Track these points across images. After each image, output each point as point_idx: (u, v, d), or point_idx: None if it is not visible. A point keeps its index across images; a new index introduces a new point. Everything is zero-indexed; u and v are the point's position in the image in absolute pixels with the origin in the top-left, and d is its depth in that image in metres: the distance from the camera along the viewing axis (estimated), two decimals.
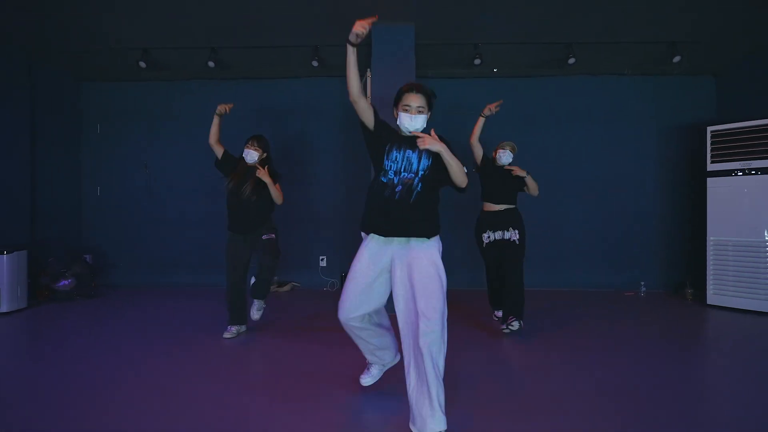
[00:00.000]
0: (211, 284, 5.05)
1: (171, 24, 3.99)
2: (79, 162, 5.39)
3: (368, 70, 4.09)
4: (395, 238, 1.79)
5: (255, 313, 3.31)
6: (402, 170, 1.82)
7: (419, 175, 1.81)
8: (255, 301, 3.30)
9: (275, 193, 3.10)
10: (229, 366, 2.64)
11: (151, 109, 5.38)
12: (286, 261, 4.60)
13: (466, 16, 3.85)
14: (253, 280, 3.33)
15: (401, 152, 1.85)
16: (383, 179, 1.84)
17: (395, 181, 1.81)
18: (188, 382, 2.34)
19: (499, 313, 3.32)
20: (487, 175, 3.38)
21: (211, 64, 4.45)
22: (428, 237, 1.79)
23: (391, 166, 1.84)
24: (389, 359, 2.13)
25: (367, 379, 2.16)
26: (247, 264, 3.18)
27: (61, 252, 4.84)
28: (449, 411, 1.65)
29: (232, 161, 3.24)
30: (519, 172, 3.22)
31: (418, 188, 1.79)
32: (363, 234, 1.94)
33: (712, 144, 4.25)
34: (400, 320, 1.73)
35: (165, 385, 2.30)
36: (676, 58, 4.28)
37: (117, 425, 1.84)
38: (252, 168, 3.12)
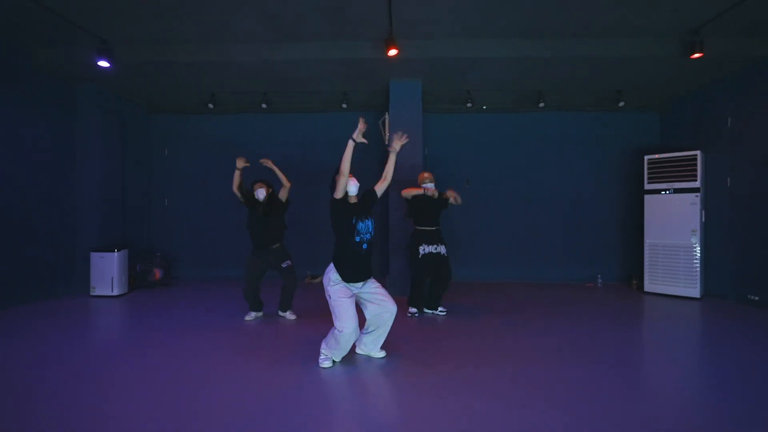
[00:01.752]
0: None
1: (235, 78, 5.26)
2: (150, 179, 6.70)
3: (386, 113, 5.39)
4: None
5: (290, 316, 4.25)
6: (365, 233, 2.90)
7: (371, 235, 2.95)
8: (288, 312, 4.27)
9: (281, 176, 4.18)
10: (256, 340, 3.93)
11: (208, 136, 6.70)
12: (318, 259, 5.91)
13: (460, 73, 5.13)
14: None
15: (364, 222, 2.90)
16: (357, 239, 2.85)
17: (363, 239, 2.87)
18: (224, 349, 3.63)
19: (413, 310, 4.35)
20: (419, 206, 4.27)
21: (264, 105, 5.76)
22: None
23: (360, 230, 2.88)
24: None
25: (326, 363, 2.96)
26: (262, 273, 4.14)
27: (141, 250, 6.15)
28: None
29: (252, 197, 4.17)
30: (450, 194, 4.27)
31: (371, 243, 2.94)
32: (334, 279, 2.87)
33: (648, 169, 5.55)
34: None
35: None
36: (621, 103, 5.59)
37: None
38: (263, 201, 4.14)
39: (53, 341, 3.39)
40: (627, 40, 4.48)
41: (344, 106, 5.81)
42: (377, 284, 3.01)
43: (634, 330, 3.96)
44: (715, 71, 4.93)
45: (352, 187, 2.99)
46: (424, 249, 4.19)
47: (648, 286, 5.51)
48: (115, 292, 5.11)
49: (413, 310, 4.35)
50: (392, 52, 4.22)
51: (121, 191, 5.85)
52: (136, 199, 6.30)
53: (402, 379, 2.69)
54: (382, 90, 5.62)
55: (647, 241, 5.54)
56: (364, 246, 2.88)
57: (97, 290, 5.09)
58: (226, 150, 6.68)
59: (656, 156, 5.47)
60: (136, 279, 5.68)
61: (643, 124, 6.39)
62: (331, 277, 2.87)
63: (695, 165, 5.14)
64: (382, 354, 3.10)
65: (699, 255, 5.12)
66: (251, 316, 4.21)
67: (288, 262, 4.15)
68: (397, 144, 3.26)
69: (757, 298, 4.70)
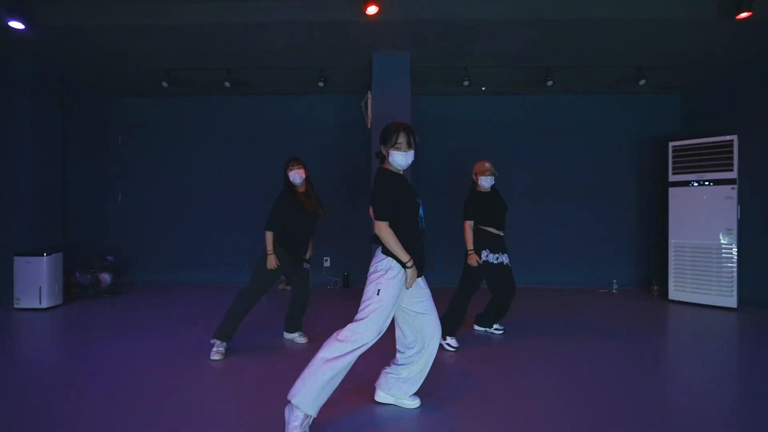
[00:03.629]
0: (215, 282, 5.56)
1: (191, 48, 4.45)
2: (102, 170, 5.86)
3: (369, 92, 4.59)
4: None
5: (300, 339, 3.33)
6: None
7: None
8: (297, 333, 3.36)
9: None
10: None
11: (168, 122, 5.86)
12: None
13: (455, 45, 4.35)
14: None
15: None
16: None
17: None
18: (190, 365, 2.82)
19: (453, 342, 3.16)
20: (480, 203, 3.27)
21: (227, 84, 4.94)
22: None
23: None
24: None
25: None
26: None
27: (88, 253, 5.31)
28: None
29: (287, 207, 3.10)
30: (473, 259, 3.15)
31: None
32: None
33: (673, 157, 4.79)
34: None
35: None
36: (642, 82, 4.81)
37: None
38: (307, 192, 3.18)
39: None
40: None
41: (321, 84, 4.99)
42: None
43: (657, 347, 3.22)
44: (756, 43, 4.16)
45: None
46: (487, 255, 3.21)
47: (673, 294, 4.76)
48: (44, 305, 4.27)
49: (454, 342, 3.15)
50: (371, 10, 3.43)
51: (60, 185, 5.00)
52: (82, 194, 5.45)
53: None
54: (364, 66, 4.82)
55: (672, 241, 4.78)
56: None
57: (22, 302, 4.25)
58: (190, 137, 5.87)
59: (683, 143, 4.71)
60: (76, 287, 4.84)
61: (664, 108, 5.65)
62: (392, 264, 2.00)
63: (731, 152, 4.39)
64: (416, 403, 2.17)
65: (735, 257, 4.37)
66: (222, 349, 2.93)
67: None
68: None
69: None
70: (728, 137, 4.42)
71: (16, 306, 4.27)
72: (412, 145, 2.06)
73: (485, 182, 3.27)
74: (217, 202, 5.82)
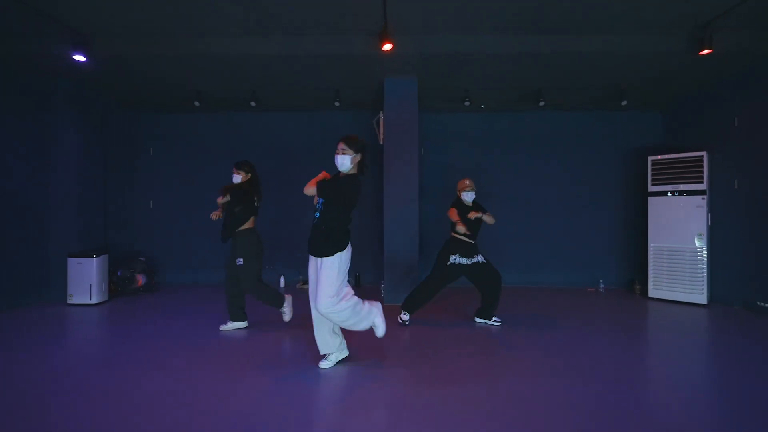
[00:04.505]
0: None
1: (222, 73, 4.99)
2: (134, 180, 6.41)
3: (381, 112, 5.15)
4: None
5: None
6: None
7: None
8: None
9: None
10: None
11: (195, 135, 6.43)
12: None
13: (456, 72, 4.91)
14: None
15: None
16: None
17: None
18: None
19: (405, 316, 3.99)
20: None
21: (252, 104, 5.50)
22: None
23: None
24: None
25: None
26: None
27: (124, 255, 5.87)
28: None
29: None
30: (476, 214, 3.85)
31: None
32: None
33: (652, 170, 5.36)
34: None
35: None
36: (624, 102, 5.38)
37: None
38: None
39: (29, 353, 3.11)
40: (633, 36, 4.27)
41: (337, 104, 5.56)
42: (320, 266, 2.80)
43: (638, 338, 3.77)
44: (722, 69, 4.74)
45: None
46: (456, 259, 3.88)
47: (652, 292, 5.32)
48: (94, 300, 4.82)
49: (405, 317, 3.99)
50: (387, 47, 3.99)
51: (102, 193, 5.56)
52: (118, 201, 6.01)
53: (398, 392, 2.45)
54: (376, 87, 5.38)
55: (651, 244, 5.34)
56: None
57: (75, 298, 4.81)
58: (214, 150, 6.43)
59: (661, 157, 5.28)
60: (117, 286, 5.39)
61: (646, 124, 6.21)
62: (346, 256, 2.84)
63: (701, 166, 4.96)
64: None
65: (706, 259, 4.93)
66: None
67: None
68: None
69: (767, 304, 4.51)
70: (699, 153, 4.99)
71: (69, 302, 4.82)
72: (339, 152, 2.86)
73: (467, 197, 3.95)
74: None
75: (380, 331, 2.94)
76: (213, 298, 5.29)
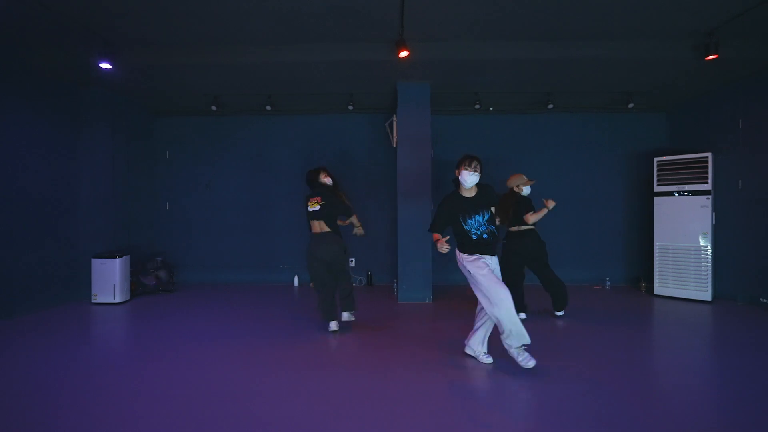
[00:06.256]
0: (249, 282, 6.29)
1: (240, 80, 5.14)
2: (152, 182, 6.57)
3: (394, 116, 5.30)
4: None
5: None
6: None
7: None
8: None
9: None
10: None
11: (210, 138, 6.58)
12: None
13: (467, 77, 5.05)
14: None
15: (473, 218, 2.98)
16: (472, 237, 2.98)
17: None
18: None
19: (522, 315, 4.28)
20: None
21: (268, 108, 5.65)
22: None
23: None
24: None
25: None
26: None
27: (143, 256, 6.03)
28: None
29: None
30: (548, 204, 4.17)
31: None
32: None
33: (657, 171, 5.50)
34: None
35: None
36: (630, 105, 5.53)
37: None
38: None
39: (60, 351, 3.27)
40: (640, 42, 4.41)
41: (350, 108, 5.70)
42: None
43: (643, 334, 3.91)
44: (727, 74, 4.88)
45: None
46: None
47: (658, 289, 5.47)
48: (117, 300, 4.99)
49: (522, 315, 4.25)
50: (403, 54, 4.13)
51: (124, 196, 5.72)
52: (138, 203, 6.17)
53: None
54: (389, 92, 5.53)
55: (657, 243, 5.49)
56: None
57: (99, 297, 4.97)
58: (229, 152, 6.58)
59: (666, 158, 5.42)
60: (137, 285, 5.55)
61: (652, 126, 6.35)
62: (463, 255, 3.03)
63: (706, 167, 5.10)
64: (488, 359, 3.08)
65: (710, 258, 5.08)
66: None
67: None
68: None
69: None
70: (704, 154, 5.13)
71: (93, 301, 4.98)
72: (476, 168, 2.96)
73: (526, 191, 4.34)
74: (251, 210, 6.52)
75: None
76: (229, 297, 5.45)
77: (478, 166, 2.94)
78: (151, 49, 4.52)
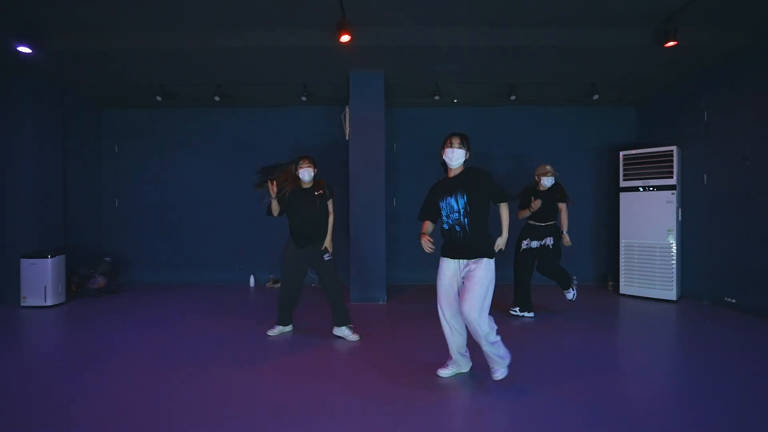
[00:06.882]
0: (205, 282, 5.97)
1: (185, 67, 4.83)
2: (100, 178, 6.23)
3: (346, 106, 5.02)
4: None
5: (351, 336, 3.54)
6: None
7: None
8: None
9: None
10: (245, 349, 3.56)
11: (161, 131, 6.25)
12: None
13: (424, 65, 4.80)
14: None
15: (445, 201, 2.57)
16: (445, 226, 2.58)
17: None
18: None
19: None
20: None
21: (216, 98, 5.34)
22: None
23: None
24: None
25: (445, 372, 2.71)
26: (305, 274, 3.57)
27: (88, 255, 5.69)
28: None
29: (284, 199, 3.43)
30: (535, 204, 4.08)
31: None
32: None
33: (623, 165, 5.30)
34: None
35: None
36: (595, 96, 5.32)
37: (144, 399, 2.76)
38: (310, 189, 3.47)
39: None
40: (598, 29, 4.19)
41: (304, 99, 5.42)
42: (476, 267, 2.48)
43: (605, 334, 3.69)
44: (691, 64, 4.69)
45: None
46: (527, 244, 4.17)
47: (623, 288, 5.28)
48: (49, 303, 4.65)
49: (515, 310, 4.28)
50: (344, 38, 3.86)
51: (61, 192, 5.37)
52: (83, 200, 5.82)
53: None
54: (345, 82, 5.25)
55: (623, 241, 5.30)
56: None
57: (29, 300, 4.63)
58: (181, 146, 6.26)
59: (632, 152, 5.22)
60: (77, 287, 5.22)
61: (620, 119, 6.16)
62: None
63: (671, 161, 4.91)
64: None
65: (675, 256, 4.88)
66: (275, 330, 3.65)
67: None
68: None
69: (734, 300, 4.48)
70: (669, 148, 4.93)
71: (23, 304, 4.64)
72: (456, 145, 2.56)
73: (546, 182, 4.18)
74: (205, 207, 6.21)
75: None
76: (177, 298, 5.14)
77: (464, 143, 2.55)
78: (81, 33, 4.19)
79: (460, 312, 2.47)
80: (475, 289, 2.40)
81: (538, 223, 4.22)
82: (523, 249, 4.22)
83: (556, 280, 4.30)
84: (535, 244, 4.18)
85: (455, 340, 2.64)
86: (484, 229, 2.56)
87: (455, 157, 2.56)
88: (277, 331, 3.65)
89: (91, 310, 4.58)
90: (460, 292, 2.51)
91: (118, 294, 5.42)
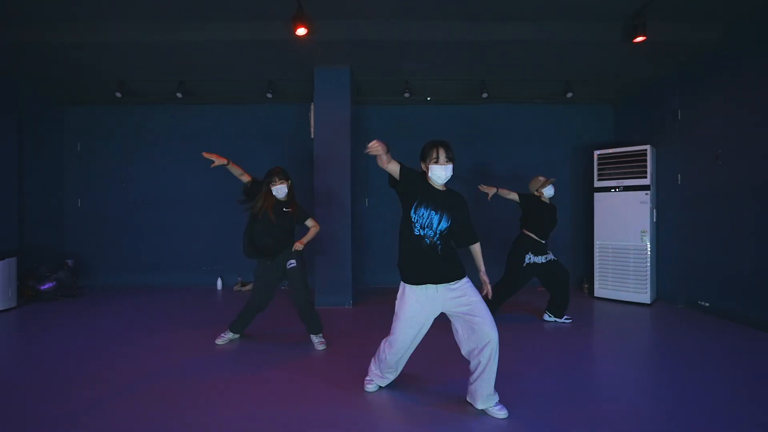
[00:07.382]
0: (171, 285, 5.79)
1: (144, 62, 4.65)
2: (62, 177, 6.01)
3: (311, 104, 4.86)
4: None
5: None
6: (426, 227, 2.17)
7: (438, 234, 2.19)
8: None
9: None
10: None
11: (125, 129, 6.04)
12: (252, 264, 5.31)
13: (391, 61, 4.65)
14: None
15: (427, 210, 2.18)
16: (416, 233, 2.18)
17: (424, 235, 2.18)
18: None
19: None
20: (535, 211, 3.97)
21: (179, 95, 5.15)
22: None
23: (417, 220, 2.17)
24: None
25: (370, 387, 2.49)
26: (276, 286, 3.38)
27: (46, 257, 5.47)
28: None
29: (258, 188, 3.30)
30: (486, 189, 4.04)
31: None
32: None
33: (598, 165, 5.17)
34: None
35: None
36: (569, 94, 5.19)
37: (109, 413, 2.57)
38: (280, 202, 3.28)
39: None
40: (568, 24, 4.06)
41: (269, 96, 5.24)
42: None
43: (577, 338, 3.55)
44: (663, 61, 4.57)
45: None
46: (531, 258, 3.92)
47: (598, 291, 5.15)
48: None
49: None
50: (301, 32, 3.69)
51: (16, 191, 5.15)
52: (42, 199, 5.60)
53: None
54: (312, 79, 5.08)
55: (597, 242, 5.17)
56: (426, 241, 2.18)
57: None
58: (146, 144, 6.06)
59: (606, 151, 5.10)
60: (32, 291, 5.00)
61: (598, 117, 6.04)
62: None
63: (645, 160, 4.79)
64: (500, 413, 2.13)
65: (649, 257, 4.76)
66: (225, 337, 3.45)
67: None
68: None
69: (707, 303, 4.36)
70: (642, 147, 4.81)
71: None
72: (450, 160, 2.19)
73: (549, 192, 4.01)
74: (172, 207, 6.01)
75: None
76: (139, 302, 4.94)
77: (451, 156, 2.19)
78: (34, 24, 4.00)
79: (485, 333, 2.11)
80: (485, 308, 2.18)
81: (541, 240, 3.99)
82: (527, 263, 3.92)
83: (566, 298, 4.00)
84: (540, 259, 3.97)
85: (387, 382, 2.49)
86: (454, 251, 2.34)
87: (446, 176, 2.21)
88: (227, 338, 3.47)
89: (39, 317, 4.36)
90: (468, 319, 2.17)
91: (75, 298, 5.21)
